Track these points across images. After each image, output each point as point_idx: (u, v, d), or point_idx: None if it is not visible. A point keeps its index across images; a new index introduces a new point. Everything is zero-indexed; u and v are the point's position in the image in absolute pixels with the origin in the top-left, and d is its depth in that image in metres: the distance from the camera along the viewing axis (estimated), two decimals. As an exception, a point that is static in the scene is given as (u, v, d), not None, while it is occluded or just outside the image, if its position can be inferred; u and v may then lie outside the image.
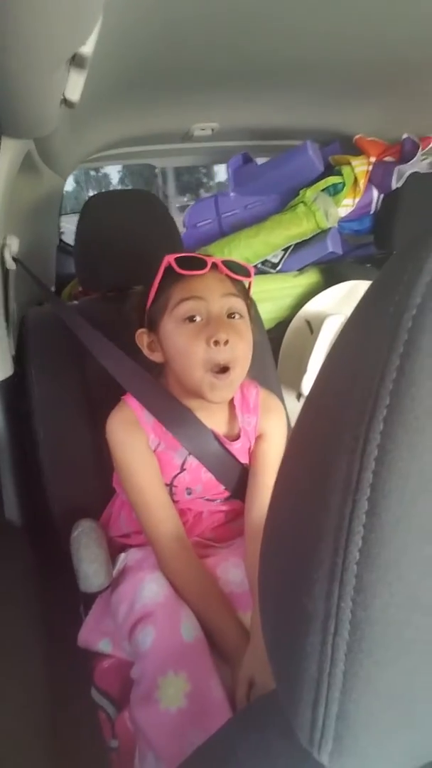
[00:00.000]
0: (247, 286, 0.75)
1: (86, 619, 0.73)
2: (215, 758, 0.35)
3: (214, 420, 0.77)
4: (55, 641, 0.72)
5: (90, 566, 0.71)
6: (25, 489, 0.93)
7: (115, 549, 0.78)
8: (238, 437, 0.77)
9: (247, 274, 0.73)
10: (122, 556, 0.75)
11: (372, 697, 0.23)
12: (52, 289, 1.71)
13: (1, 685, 0.60)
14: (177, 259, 0.70)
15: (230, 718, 0.39)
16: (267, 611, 0.29)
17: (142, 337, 0.75)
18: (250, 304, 0.76)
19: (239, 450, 0.77)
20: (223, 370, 0.68)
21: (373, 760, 0.24)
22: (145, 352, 0.75)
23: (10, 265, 0.94)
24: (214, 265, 0.71)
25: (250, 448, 0.79)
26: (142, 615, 0.64)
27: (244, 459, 0.78)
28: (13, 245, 0.94)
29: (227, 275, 0.71)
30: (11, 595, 0.75)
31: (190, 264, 0.70)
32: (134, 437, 0.74)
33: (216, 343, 0.66)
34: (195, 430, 0.74)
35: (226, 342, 0.67)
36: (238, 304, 0.71)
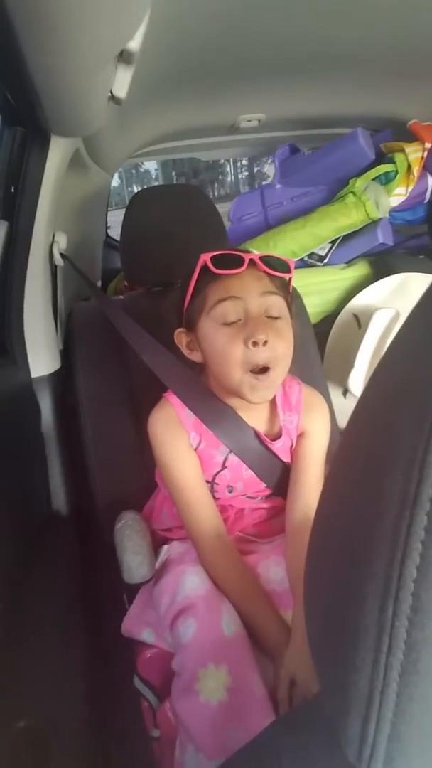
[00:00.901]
0: (287, 281, 0.73)
1: (130, 609, 0.74)
2: (260, 762, 0.35)
3: (255, 418, 0.76)
4: (100, 630, 0.74)
5: (134, 558, 0.72)
6: (72, 480, 0.96)
7: (157, 542, 0.79)
8: (279, 436, 0.76)
9: (287, 270, 0.71)
10: (165, 548, 0.76)
11: (427, 720, 0.21)
12: (99, 283, 1.74)
13: (46, 672, 0.62)
14: (213, 258, 0.68)
15: (273, 721, 0.39)
16: (313, 619, 0.28)
17: (181, 337, 0.75)
18: (291, 301, 0.73)
19: (281, 449, 0.76)
20: (263, 370, 0.67)
21: None
22: (185, 351, 0.75)
23: (59, 261, 0.96)
24: (252, 262, 0.69)
25: (292, 446, 0.78)
26: (183, 607, 0.64)
27: (285, 457, 0.77)
28: (62, 242, 0.96)
29: (266, 272, 0.69)
30: (57, 584, 0.77)
31: (226, 263, 0.68)
32: (175, 436, 0.74)
33: (255, 344, 0.65)
34: (235, 428, 0.74)
35: (265, 342, 0.65)
36: (278, 301, 0.70)
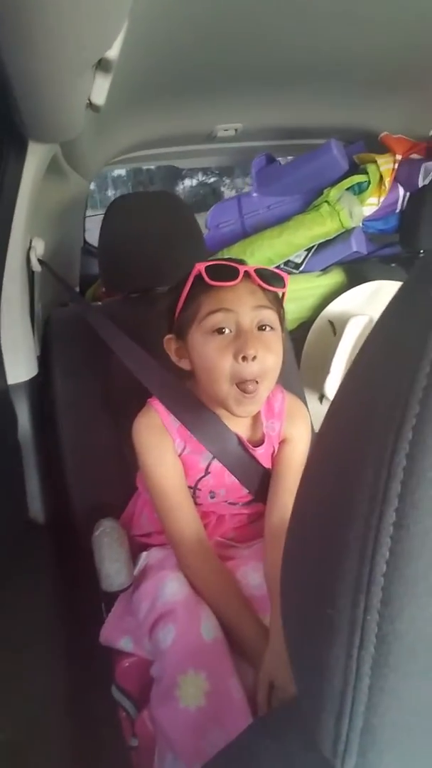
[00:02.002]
0: (281, 295, 0.72)
1: (108, 616, 0.73)
2: (238, 765, 0.35)
3: (239, 424, 0.76)
4: (77, 639, 0.73)
5: (112, 565, 0.72)
6: (49, 488, 0.95)
7: (135, 548, 0.79)
8: (261, 442, 0.77)
9: (282, 284, 0.70)
10: (144, 554, 0.76)
11: (398, 713, 0.22)
12: (76, 290, 1.73)
13: (21, 682, 0.61)
14: (207, 269, 0.68)
15: (252, 722, 0.39)
16: (289, 620, 0.28)
17: (171, 343, 0.74)
18: (283, 314, 0.73)
19: (262, 455, 0.77)
20: (252, 390, 0.66)
21: None
22: (173, 358, 0.74)
23: (36, 266, 0.96)
24: (247, 275, 0.68)
25: (273, 453, 0.79)
26: (163, 612, 0.64)
27: (267, 464, 0.78)
28: (39, 247, 0.95)
29: (260, 285, 0.69)
30: (34, 593, 0.76)
31: (220, 274, 0.68)
32: (160, 442, 0.74)
33: (244, 358, 0.65)
34: (219, 434, 0.74)
35: (254, 357, 0.65)
36: (270, 315, 0.69)
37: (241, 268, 0.68)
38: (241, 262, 0.71)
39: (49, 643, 0.70)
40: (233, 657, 0.62)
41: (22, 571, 0.78)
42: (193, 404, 0.74)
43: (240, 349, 0.65)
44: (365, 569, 0.21)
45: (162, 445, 0.73)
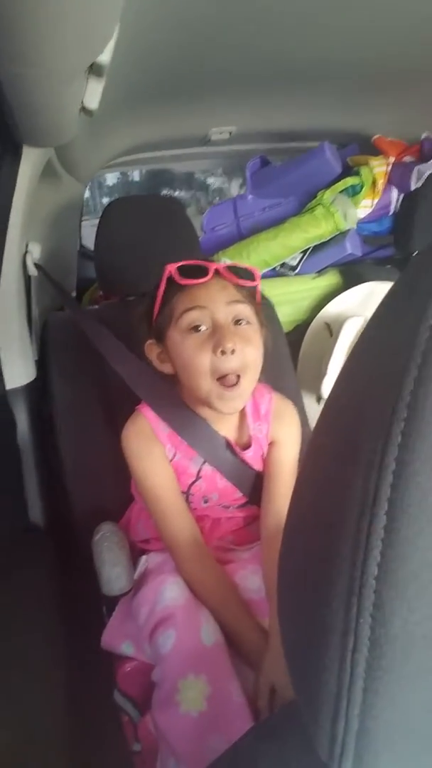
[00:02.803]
0: (255, 290, 0.73)
1: (109, 621, 0.73)
2: None
3: (226, 427, 0.76)
4: (78, 644, 0.73)
5: (112, 570, 0.72)
6: (48, 491, 0.94)
7: (135, 553, 0.79)
8: (249, 445, 0.77)
9: (253, 279, 0.72)
10: (143, 559, 0.76)
11: (393, 715, 0.22)
12: (74, 293, 1.73)
13: (23, 688, 0.61)
14: (178, 269, 0.69)
15: (252, 727, 0.39)
16: (286, 622, 0.28)
17: (151, 349, 0.75)
18: (259, 309, 0.74)
19: (252, 458, 0.77)
20: (233, 381, 0.67)
21: None
22: (155, 363, 0.75)
23: (32, 271, 0.96)
24: (218, 272, 0.69)
25: (263, 455, 0.79)
26: (162, 617, 0.64)
27: (258, 466, 0.78)
28: (35, 252, 0.96)
29: (231, 281, 0.70)
30: (34, 596, 0.76)
31: (191, 273, 0.69)
32: (150, 448, 0.74)
33: (222, 352, 0.65)
34: (207, 438, 0.74)
35: (233, 351, 0.66)
36: (245, 310, 0.70)
37: (211, 266, 0.69)
38: (212, 262, 0.71)
39: (51, 647, 0.70)
40: (234, 661, 0.62)
41: (23, 575, 0.78)
42: (182, 409, 0.74)
43: (218, 344, 0.66)
44: (357, 573, 0.21)
45: (152, 452, 0.74)
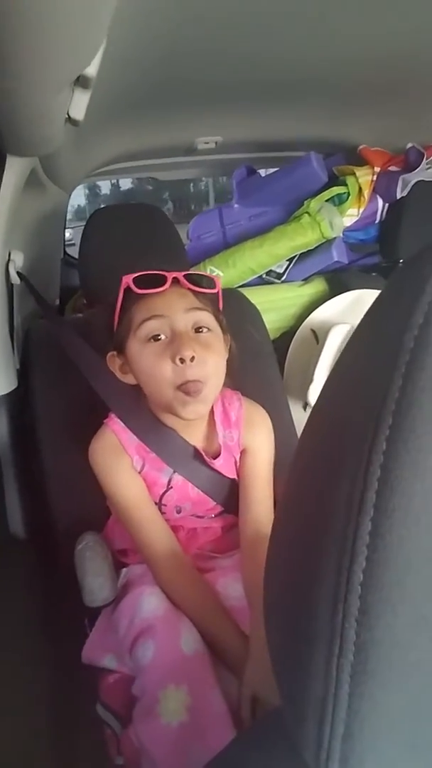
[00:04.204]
0: (216, 297, 0.74)
1: (90, 634, 0.72)
2: None
3: (195, 436, 0.76)
4: (61, 656, 0.71)
5: (95, 580, 0.71)
6: (29, 502, 0.93)
7: (119, 562, 0.78)
8: (219, 453, 0.76)
9: (212, 286, 0.72)
10: (124, 571, 0.75)
11: (378, 719, 0.22)
12: (57, 301, 1.72)
13: (4, 701, 0.60)
14: (135, 279, 0.69)
15: (236, 736, 0.39)
16: (272, 629, 0.28)
17: (113, 360, 0.74)
18: (221, 316, 0.74)
19: (222, 466, 0.76)
20: (195, 389, 0.67)
21: None
22: (118, 375, 0.74)
23: (15, 279, 0.95)
24: (176, 280, 0.69)
25: (236, 463, 0.78)
26: (142, 629, 0.63)
27: (230, 474, 0.77)
28: (18, 260, 0.95)
29: (190, 289, 0.70)
30: (16, 608, 0.74)
31: (148, 282, 0.68)
32: (117, 461, 0.73)
33: (182, 360, 0.65)
34: (176, 448, 0.74)
35: (193, 358, 0.65)
36: (205, 317, 0.70)
37: (169, 275, 0.69)
38: (169, 271, 0.71)
39: (32, 660, 0.69)
40: (217, 669, 0.61)
41: (3, 587, 0.77)
42: (151, 420, 0.74)
43: (176, 352, 0.65)
44: (342, 578, 0.21)
45: (120, 464, 0.73)
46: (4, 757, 0.54)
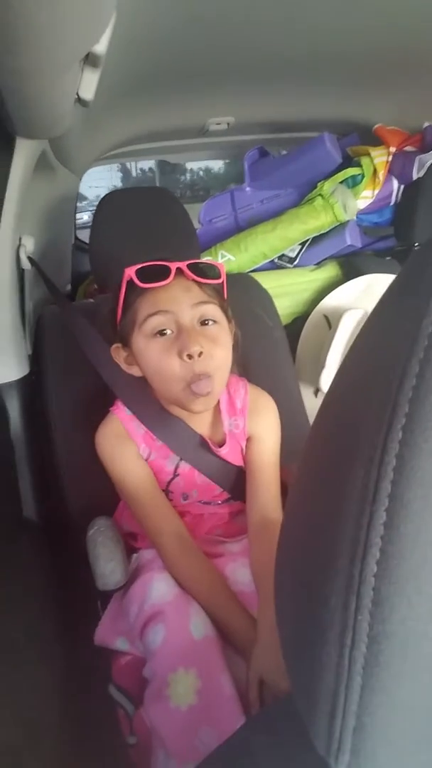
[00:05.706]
0: (221, 286, 0.72)
1: (102, 618, 0.73)
2: (235, 762, 0.35)
3: (201, 424, 0.76)
4: (74, 638, 0.73)
5: (107, 564, 0.72)
6: (42, 487, 0.94)
7: (128, 548, 0.79)
8: (225, 441, 0.76)
9: (218, 276, 0.70)
10: (134, 556, 0.75)
11: (390, 712, 0.22)
12: (68, 287, 1.72)
13: (19, 682, 0.61)
14: (137, 272, 0.67)
15: (246, 720, 0.39)
16: (283, 620, 0.28)
17: (118, 352, 0.74)
18: (226, 305, 0.73)
19: (228, 454, 0.76)
20: (204, 388, 0.66)
21: None
22: (123, 367, 0.74)
23: (26, 264, 0.95)
24: (179, 271, 0.67)
25: (242, 450, 0.78)
26: (152, 614, 0.63)
27: (237, 461, 0.77)
28: (29, 245, 0.94)
29: (195, 280, 0.68)
30: (29, 593, 0.76)
31: (151, 275, 0.67)
32: (123, 448, 0.74)
33: (189, 356, 0.65)
34: (182, 436, 0.74)
35: (200, 353, 0.65)
36: (211, 309, 0.69)
37: (172, 266, 0.67)
38: (172, 261, 0.69)
39: (45, 642, 0.70)
40: (226, 653, 0.62)
41: (17, 570, 0.78)
42: (157, 409, 0.74)
43: (183, 348, 0.65)
44: (356, 570, 0.21)
45: (126, 451, 0.74)
46: (15, 737, 0.55)
